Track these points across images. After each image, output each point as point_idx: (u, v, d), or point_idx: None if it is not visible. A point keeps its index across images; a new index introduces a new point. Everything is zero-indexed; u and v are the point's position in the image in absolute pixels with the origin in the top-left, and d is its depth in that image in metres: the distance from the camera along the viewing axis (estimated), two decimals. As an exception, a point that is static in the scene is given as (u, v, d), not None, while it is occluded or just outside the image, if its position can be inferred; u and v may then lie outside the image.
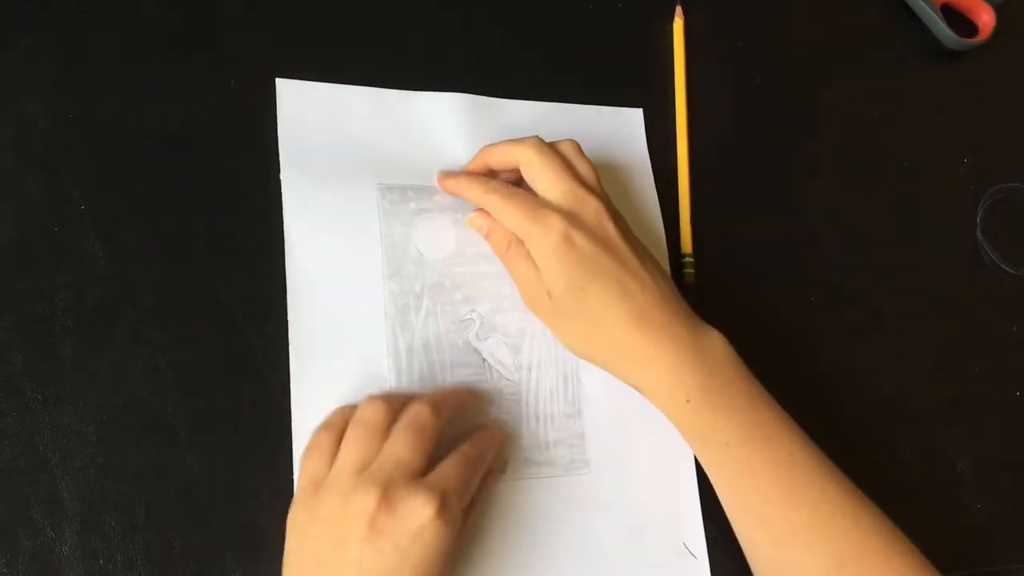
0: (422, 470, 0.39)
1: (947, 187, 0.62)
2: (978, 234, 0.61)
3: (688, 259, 0.52)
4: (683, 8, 0.57)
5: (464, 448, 0.42)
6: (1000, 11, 0.64)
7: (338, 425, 0.41)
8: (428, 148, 0.49)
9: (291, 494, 0.41)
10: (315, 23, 0.49)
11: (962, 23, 0.65)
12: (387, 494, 0.37)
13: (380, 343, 0.45)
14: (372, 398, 0.41)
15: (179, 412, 0.42)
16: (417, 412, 0.40)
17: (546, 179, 0.44)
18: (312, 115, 0.47)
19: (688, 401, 0.43)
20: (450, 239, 0.48)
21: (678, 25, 0.57)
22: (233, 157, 0.46)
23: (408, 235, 0.47)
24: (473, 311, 0.47)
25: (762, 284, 0.55)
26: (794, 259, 0.56)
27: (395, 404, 0.41)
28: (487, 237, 0.46)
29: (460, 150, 0.49)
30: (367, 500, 0.37)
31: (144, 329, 0.42)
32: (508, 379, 0.47)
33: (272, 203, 0.45)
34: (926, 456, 0.55)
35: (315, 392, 0.43)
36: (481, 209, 0.46)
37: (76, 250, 0.42)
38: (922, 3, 0.63)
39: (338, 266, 0.45)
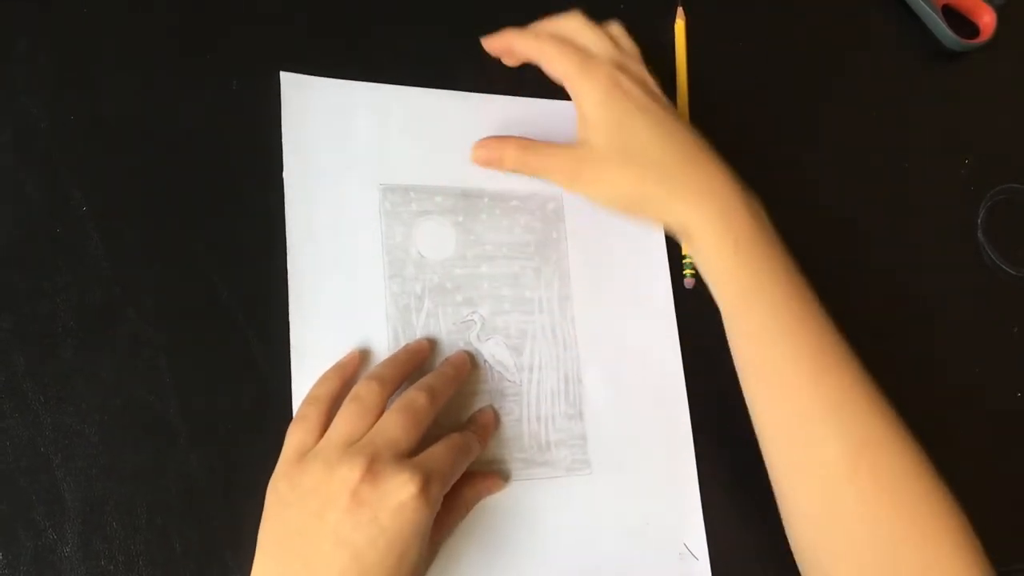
0: (410, 451, 0.39)
1: (948, 188, 0.62)
2: (979, 235, 0.61)
3: (688, 259, 0.52)
4: (684, 8, 0.57)
5: (455, 436, 0.42)
6: (1001, 12, 0.64)
7: (324, 399, 0.41)
8: (430, 146, 0.49)
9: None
10: (316, 23, 0.49)
11: (963, 24, 0.65)
12: (372, 467, 0.37)
13: (381, 344, 0.45)
14: (370, 378, 0.42)
15: (179, 412, 0.42)
16: (413, 397, 0.41)
17: (592, 39, 0.47)
18: (315, 110, 0.47)
19: (736, 247, 0.42)
20: (451, 241, 0.48)
21: (679, 26, 0.56)
22: (234, 157, 0.46)
23: (409, 236, 0.47)
24: (474, 312, 0.47)
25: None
26: (795, 257, 0.56)
27: (391, 386, 0.42)
28: (550, 62, 0.46)
29: (462, 149, 0.49)
30: (352, 471, 0.37)
31: (144, 329, 0.42)
32: (509, 380, 0.47)
33: (273, 203, 0.45)
34: (926, 456, 0.55)
35: (316, 392, 0.43)
36: (488, 140, 0.48)
37: (76, 250, 0.42)
38: (922, 4, 0.63)
39: (339, 267, 0.45)
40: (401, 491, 0.37)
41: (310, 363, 0.43)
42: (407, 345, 0.45)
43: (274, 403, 0.43)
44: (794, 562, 0.45)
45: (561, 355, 0.48)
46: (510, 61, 0.50)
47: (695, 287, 0.52)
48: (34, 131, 0.43)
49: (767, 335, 0.43)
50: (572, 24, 0.47)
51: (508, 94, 0.52)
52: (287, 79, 0.47)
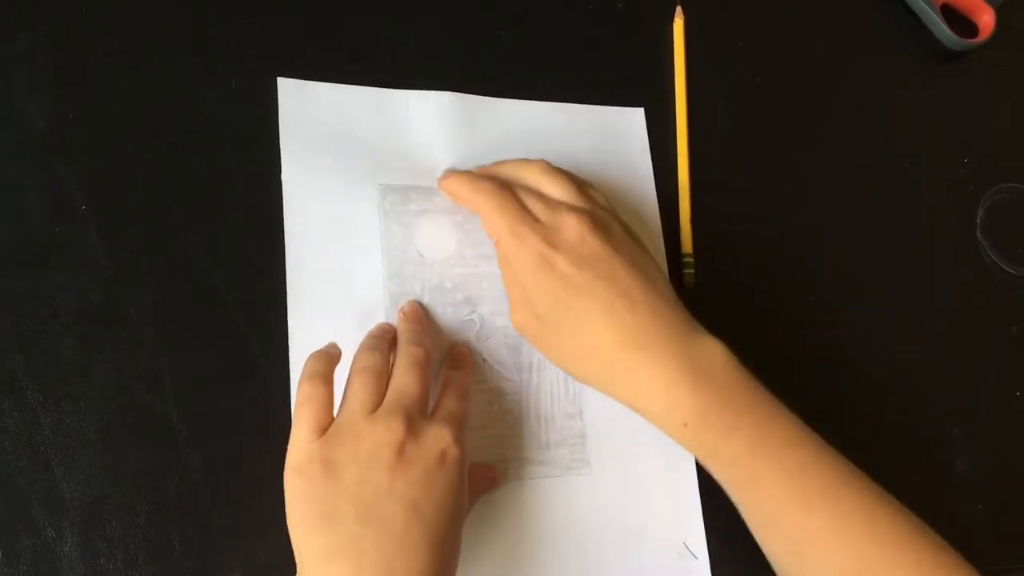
0: (427, 403, 0.41)
1: (947, 187, 0.62)
2: (978, 234, 0.61)
3: (688, 259, 0.52)
4: (683, 8, 0.57)
5: (453, 383, 0.43)
6: (1000, 12, 0.64)
7: (323, 375, 0.40)
8: (429, 148, 0.49)
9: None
10: (315, 23, 0.49)
11: (962, 23, 0.65)
12: (411, 425, 0.38)
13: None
14: (370, 348, 0.42)
15: (179, 412, 0.42)
16: (413, 352, 0.42)
17: (552, 187, 0.45)
18: (313, 114, 0.47)
19: (685, 425, 0.42)
20: (451, 240, 0.48)
21: (678, 25, 0.57)
22: (234, 157, 0.46)
23: (409, 236, 0.47)
24: (474, 312, 0.48)
25: (762, 284, 0.55)
26: (794, 259, 0.56)
27: (389, 351, 0.43)
28: (484, 217, 0.45)
29: (461, 150, 0.49)
30: (393, 432, 0.38)
31: (144, 329, 0.42)
32: (509, 379, 0.47)
33: (273, 203, 0.45)
34: (926, 456, 0.55)
35: (315, 392, 0.43)
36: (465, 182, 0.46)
37: (76, 250, 0.42)
38: (922, 3, 0.63)
39: (339, 267, 0.45)
40: (440, 441, 0.39)
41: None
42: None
43: (274, 403, 0.43)
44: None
45: (560, 355, 0.48)
46: (460, 203, 0.48)
47: (695, 287, 0.52)
48: (34, 131, 0.43)
49: (743, 481, 0.43)
50: (528, 172, 0.46)
51: (506, 96, 0.52)
52: (284, 84, 0.47)
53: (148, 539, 0.40)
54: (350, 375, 0.41)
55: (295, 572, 0.38)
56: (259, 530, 0.41)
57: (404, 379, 0.40)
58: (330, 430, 0.39)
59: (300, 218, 0.45)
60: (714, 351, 0.43)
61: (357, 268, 0.46)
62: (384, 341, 0.43)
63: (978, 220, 0.61)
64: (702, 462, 0.44)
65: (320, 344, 0.43)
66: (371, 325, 0.45)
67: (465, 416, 0.42)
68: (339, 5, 0.50)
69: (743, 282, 0.54)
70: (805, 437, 0.43)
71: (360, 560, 0.35)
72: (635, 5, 0.57)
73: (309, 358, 0.41)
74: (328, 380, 0.40)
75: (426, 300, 0.47)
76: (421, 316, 0.46)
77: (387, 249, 0.47)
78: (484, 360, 0.47)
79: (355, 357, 0.42)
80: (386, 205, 0.47)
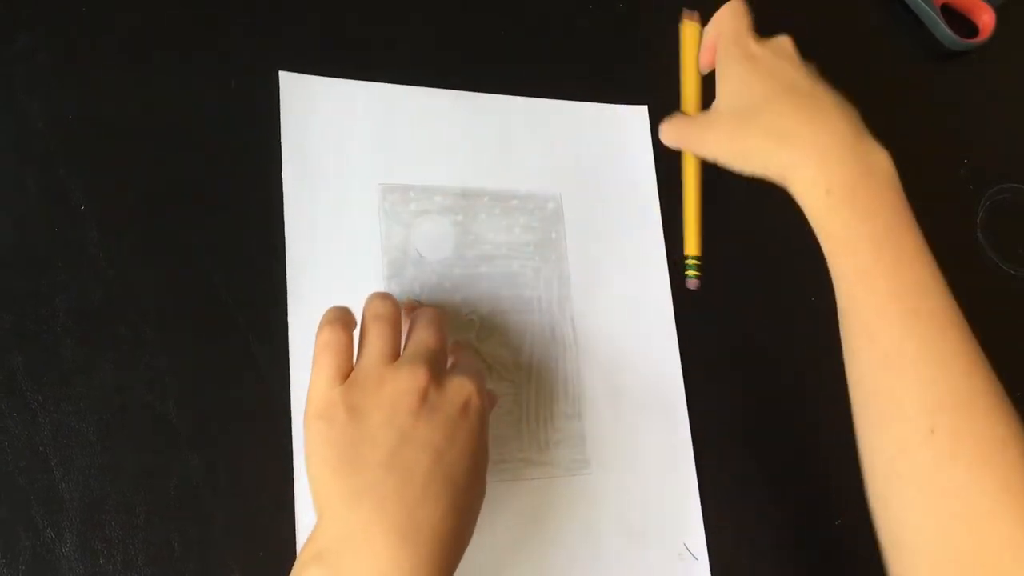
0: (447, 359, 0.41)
1: (947, 187, 0.62)
2: (978, 234, 0.61)
3: (692, 262, 0.52)
4: (686, 7, 0.57)
5: (457, 340, 0.46)
6: (1000, 11, 0.64)
7: (344, 320, 0.40)
8: (430, 145, 0.49)
9: (292, 492, 0.41)
10: (316, 22, 0.49)
11: (962, 23, 0.65)
12: (434, 374, 0.38)
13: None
14: (382, 296, 0.41)
15: (179, 412, 0.42)
16: (429, 310, 0.42)
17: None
18: (314, 109, 0.47)
19: (828, 192, 0.42)
20: (450, 240, 0.48)
21: (690, 28, 0.55)
22: (234, 157, 0.46)
23: (408, 236, 0.47)
24: (473, 312, 0.47)
25: (764, 283, 0.55)
26: (796, 258, 0.56)
27: (397, 302, 0.42)
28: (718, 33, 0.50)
29: (462, 148, 0.49)
30: (417, 379, 0.38)
31: (144, 329, 0.42)
32: (508, 380, 0.47)
33: (273, 203, 0.45)
34: None
35: (315, 392, 0.43)
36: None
37: (76, 250, 0.42)
38: (922, 3, 0.63)
39: (339, 267, 0.45)
40: (463, 390, 0.39)
41: (309, 363, 0.43)
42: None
43: (274, 403, 0.43)
44: (792, 561, 0.45)
45: (560, 355, 0.48)
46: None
47: (696, 288, 0.52)
48: (34, 131, 0.43)
49: (858, 279, 0.42)
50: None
51: (508, 93, 0.52)
52: (286, 78, 0.47)
53: (148, 540, 0.40)
54: (364, 322, 0.40)
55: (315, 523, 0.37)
56: (259, 530, 0.41)
57: (423, 333, 0.40)
58: (352, 376, 0.38)
59: (300, 218, 0.45)
60: (882, 155, 0.44)
61: (357, 268, 0.46)
62: (392, 296, 0.42)
63: (978, 220, 0.61)
64: (823, 242, 0.44)
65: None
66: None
67: (480, 368, 0.44)
68: (339, 4, 0.50)
69: (745, 281, 0.54)
70: (932, 270, 0.42)
71: (383, 505, 0.35)
72: (635, 5, 0.57)
73: (329, 309, 0.41)
74: (349, 327, 0.40)
75: (426, 300, 0.47)
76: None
77: (387, 249, 0.47)
78: (484, 360, 0.47)
79: (367, 305, 0.41)
80: (386, 205, 0.47)
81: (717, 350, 0.52)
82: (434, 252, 0.48)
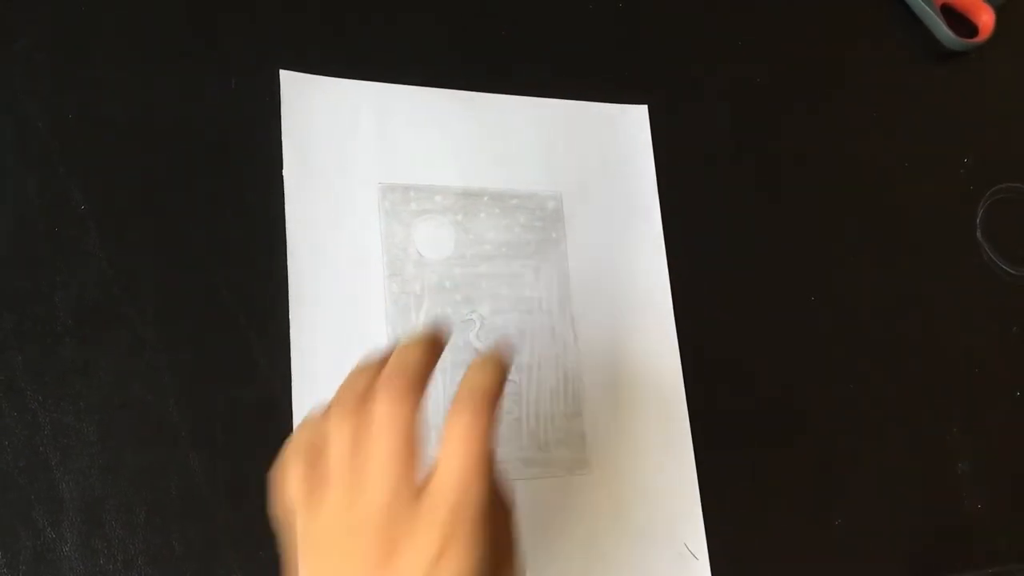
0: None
1: (947, 187, 0.62)
2: (978, 234, 0.61)
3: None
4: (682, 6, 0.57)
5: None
6: (1000, 11, 0.64)
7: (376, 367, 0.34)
8: (430, 145, 0.49)
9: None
10: (316, 22, 0.49)
11: (962, 23, 0.65)
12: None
13: (381, 344, 0.45)
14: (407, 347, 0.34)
15: (179, 412, 0.42)
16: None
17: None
18: (315, 108, 0.47)
19: None
20: (450, 240, 0.48)
21: None
22: (234, 157, 0.46)
23: (409, 236, 0.47)
24: (473, 312, 0.48)
25: (762, 283, 0.55)
26: (796, 258, 0.56)
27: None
28: None
29: (462, 148, 0.49)
30: None
31: (144, 329, 0.42)
32: (509, 379, 0.47)
33: (273, 202, 0.45)
34: (926, 456, 0.55)
35: (315, 392, 0.43)
36: None
37: (76, 250, 0.42)
38: (922, 3, 0.63)
39: (339, 266, 0.45)
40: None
41: (310, 363, 0.43)
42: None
43: (274, 403, 0.43)
44: (792, 561, 0.45)
45: (560, 354, 0.48)
46: None
47: (692, 281, 0.52)
48: (34, 131, 0.43)
49: None
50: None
51: (509, 93, 0.52)
52: (287, 77, 0.47)
53: (148, 540, 0.40)
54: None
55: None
56: (259, 530, 0.41)
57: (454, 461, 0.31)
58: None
59: (301, 217, 0.45)
60: None
61: (357, 267, 0.46)
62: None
63: (978, 220, 0.61)
64: None
65: (320, 344, 0.43)
66: (371, 324, 0.45)
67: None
68: (341, 3, 0.50)
69: (743, 281, 0.54)
70: None
71: None
72: (635, 4, 0.57)
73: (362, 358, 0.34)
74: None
75: (426, 300, 0.47)
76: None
77: (387, 248, 0.47)
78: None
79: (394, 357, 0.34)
80: (387, 204, 0.47)
81: (718, 349, 0.52)
82: (434, 252, 0.48)
